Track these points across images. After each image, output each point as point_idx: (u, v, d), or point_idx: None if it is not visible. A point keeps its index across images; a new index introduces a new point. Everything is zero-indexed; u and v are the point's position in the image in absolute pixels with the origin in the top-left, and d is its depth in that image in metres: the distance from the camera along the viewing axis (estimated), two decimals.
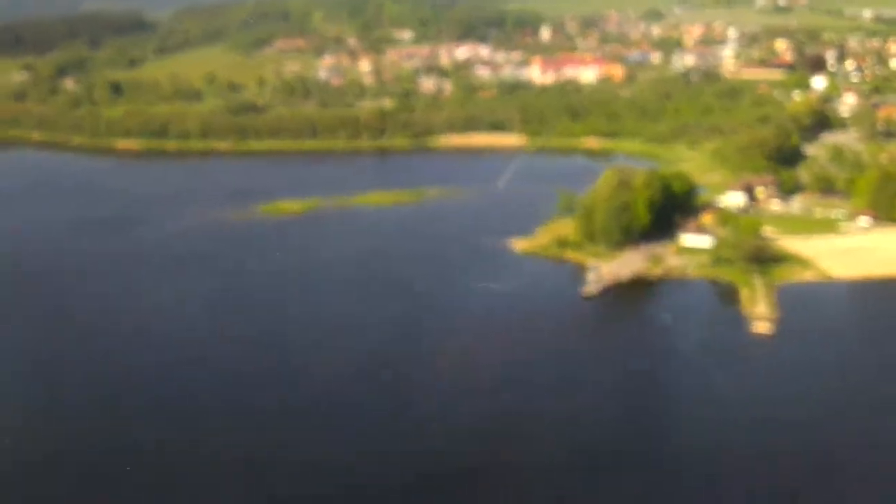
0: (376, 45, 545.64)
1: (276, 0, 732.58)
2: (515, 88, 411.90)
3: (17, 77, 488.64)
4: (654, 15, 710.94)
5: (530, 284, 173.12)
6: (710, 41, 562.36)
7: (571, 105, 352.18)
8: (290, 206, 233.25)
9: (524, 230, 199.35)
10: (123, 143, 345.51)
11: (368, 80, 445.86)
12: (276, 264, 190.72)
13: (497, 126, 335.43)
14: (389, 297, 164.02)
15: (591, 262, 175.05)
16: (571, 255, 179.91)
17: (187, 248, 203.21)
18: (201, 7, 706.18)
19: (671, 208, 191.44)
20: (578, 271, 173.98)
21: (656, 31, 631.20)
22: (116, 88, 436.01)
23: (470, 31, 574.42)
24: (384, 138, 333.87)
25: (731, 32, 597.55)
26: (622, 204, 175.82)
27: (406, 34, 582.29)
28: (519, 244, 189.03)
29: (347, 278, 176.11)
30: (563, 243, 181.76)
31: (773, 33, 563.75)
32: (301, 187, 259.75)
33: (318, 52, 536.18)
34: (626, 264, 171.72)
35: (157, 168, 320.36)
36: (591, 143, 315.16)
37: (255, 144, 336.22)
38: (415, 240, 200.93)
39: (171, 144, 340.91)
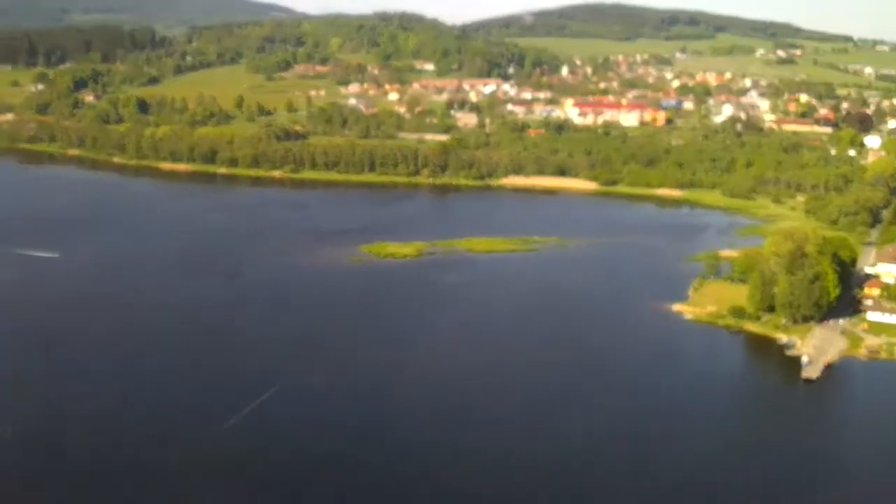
0: (400, 76, 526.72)
1: (291, 23, 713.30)
2: (561, 129, 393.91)
3: (32, 87, 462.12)
4: (661, 60, 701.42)
5: (730, 362, 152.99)
6: (725, 90, 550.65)
7: (638, 151, 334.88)
8: (397, 248, 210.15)
9: (670, 291, 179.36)
10: (168, 165, 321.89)
11: (400, 111, 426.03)
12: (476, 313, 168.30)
13: (562, 168, 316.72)
14: (598, 384, 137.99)
15: (780, 336, 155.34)
16: (751, 326, 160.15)
17: (356, 291, 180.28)
18: (216, 26, 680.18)
19: (843, 279, 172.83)
20: (766, 346, 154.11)
21: (668, 76, 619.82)
22: (143, 106, 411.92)
23: (492, 67, 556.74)
24: (445, 175, 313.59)
25: (747, 82, 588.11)
26: (814, 274, 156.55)
27: (427, 66, 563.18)
28: (683, 310, 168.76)
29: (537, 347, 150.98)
30: (738, 313, 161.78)
31: (790, 86, 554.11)
32: (388, 225, 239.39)
33: (341, 79, 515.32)
34: (828, 343, 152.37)
35: (217, 194, 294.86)
36: (667, 192, 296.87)
37: (310, 174, 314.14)
38: (566, 300, 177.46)
39: (220, 169, 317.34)
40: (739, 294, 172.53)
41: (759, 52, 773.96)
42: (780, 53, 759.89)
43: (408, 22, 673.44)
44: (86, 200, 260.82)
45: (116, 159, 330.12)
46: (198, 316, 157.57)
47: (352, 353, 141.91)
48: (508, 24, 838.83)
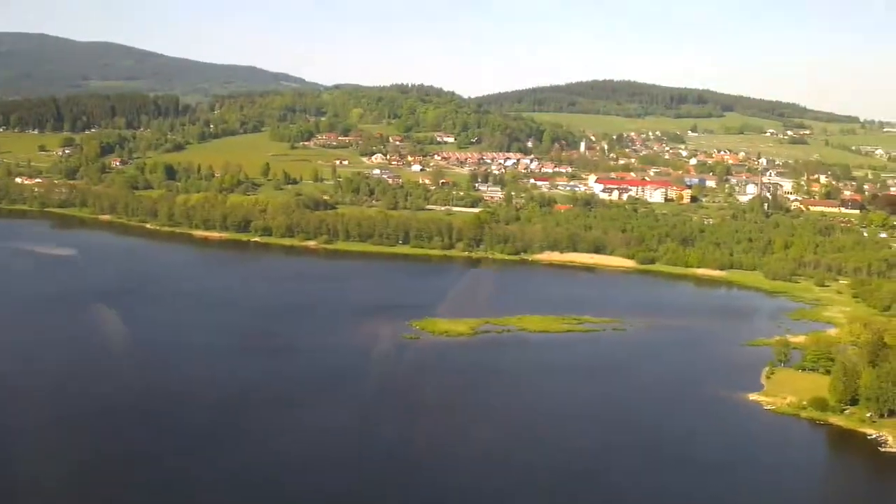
0: (421, 148, 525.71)
1: (311, 93, 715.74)
2: (588, 204, 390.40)
3: (59, 152, 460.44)
4: (674, 138, 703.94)
5: (820, 457, 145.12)
6: (743, 168, 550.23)
7: (671, 230, 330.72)
8: (450, 325, 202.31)
9: (741, 378, 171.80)
10: (201, 233, 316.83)
11: (425, 183, 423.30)
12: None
13: (597, 245, 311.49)
14: (686, 477, 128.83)
15: (868, 431, 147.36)
16: (835, 420, 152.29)
17: (426, 374, 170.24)
18: (238, 95, 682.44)
19: None
20: (854, 441, 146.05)
21: (683, 153, 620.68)
22: (170, 172, 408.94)
23: (511, 141, 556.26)
24: (480, 249, 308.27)
25: (763, 161, 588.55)
26: None
27: (448, 138, 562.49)
28: (761, 400, 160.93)
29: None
30: (820, 405, 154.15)
31: (807, 166, 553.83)
32: (433, 300, 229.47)
33: (364, 149, 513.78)
34: None
35: (254, 263, 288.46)
36: (707, 272, 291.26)
37: (344, 245, 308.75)
38: (637, 386, 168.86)
39: (254, 237, 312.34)
40: (816, 384, 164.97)
41: (770, 131, 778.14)
42: (790, 133, 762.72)
43: (426, 94, 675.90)
44: (127, 269, 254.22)
45: (149, 225, 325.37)
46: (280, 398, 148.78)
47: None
48: (521, 98, 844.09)
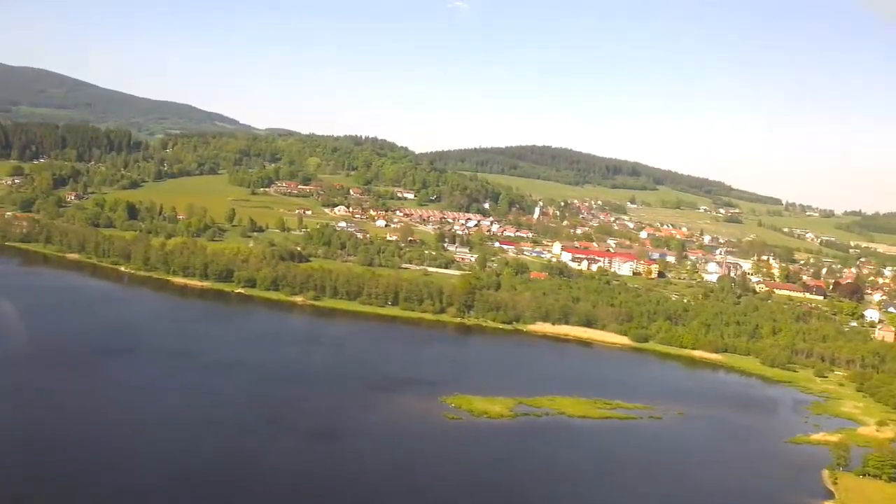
0: (383, 202, 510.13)
1: (266, 138, 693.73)
2: (561, 273, 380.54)
3: (8, 180, 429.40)
4: (615, 208, 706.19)
5: None
6: (693, 244, 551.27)
7: (655, 307, 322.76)
8: (485, 405, 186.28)
9: (801, 484, 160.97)
10: (181, 280, 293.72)
11: (391, 239, 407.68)
12: None
13: (588, 318, 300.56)
14: None
15: None
16: None
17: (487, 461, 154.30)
18: (191, 134, 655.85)
19: None
20: None
21: (629, 224, 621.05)
22: (132, 211, 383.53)
23: (471, 201, 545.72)
24: (472, 315, 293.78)
25: (706, 238, 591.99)
26: None
27: (408, 194, 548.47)
28: None
29: None
30: None
31: (753, 246, 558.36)
32: (450, 372, 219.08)
33: (325, 200, 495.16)
34: None
35: (242, 319, 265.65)
36: (703, 354, 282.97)
37: (331, 302, 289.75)
38: (703, 490, 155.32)
39: (237, 288, 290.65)
40: (887, 494, 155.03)
41: (703, 208, 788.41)
42: (722, 212, 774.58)
43: (380, 148, 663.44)
44: (113, 320, 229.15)
45: (123, 268, 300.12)
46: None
47: None
48: (463, 157, 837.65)
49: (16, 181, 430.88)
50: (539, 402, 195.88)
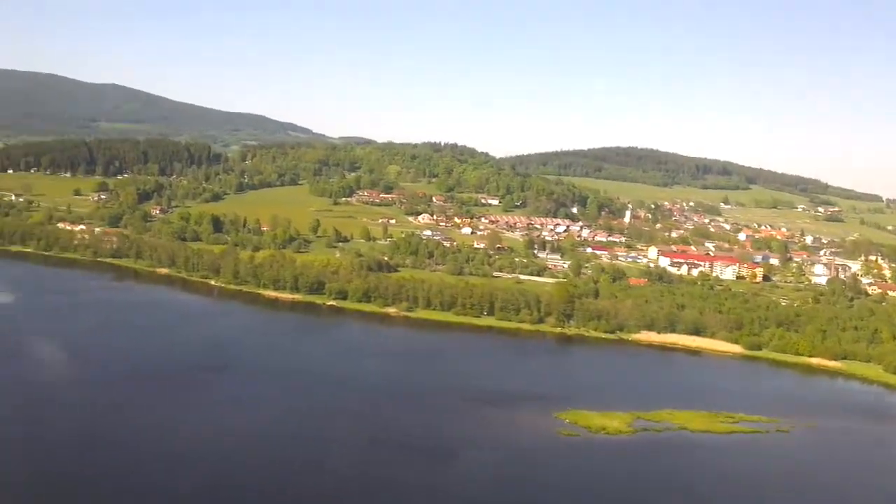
0: (468, 210, 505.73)
1: (344, 147, 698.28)
2: (661, 279, 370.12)
3: (94, 196, 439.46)
4: (708, 209, 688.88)
5: None
6: (796, 246, 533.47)
7: (765, 312, 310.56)
8: (603, 420, 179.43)
9: None
10: (272, 293, 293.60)
11: (479, 247, 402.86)
12: None
13: (696, 326, 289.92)
14: None
15: None
16: None
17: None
18: (269, 146, 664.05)
19: None
20: None
21: (726, 226, 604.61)
22: (217, 224, 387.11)
23: (558, 206, 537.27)
24: (572, 324, 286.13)
25: (808, 239, 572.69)
26: None
27: (492, 200, 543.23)
28: None
29: None
30: None
31: (859, 247, 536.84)
32: (558, 386, 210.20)
33: (408, 209, 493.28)
34: None
35: (339, 332, 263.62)
36: (821, 362, 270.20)
37: (425, 313, 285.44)
38: None
39: (328, 300, 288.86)
40: None
41: (801, 207, 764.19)
42: (821, 210, 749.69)
43: (460, 154, 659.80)
44: (210, 335, 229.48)
45: (213, 282, 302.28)
46: None
47: None
48: (545, 161, 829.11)
49: (101, 197, 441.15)
50: (658, 416, 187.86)
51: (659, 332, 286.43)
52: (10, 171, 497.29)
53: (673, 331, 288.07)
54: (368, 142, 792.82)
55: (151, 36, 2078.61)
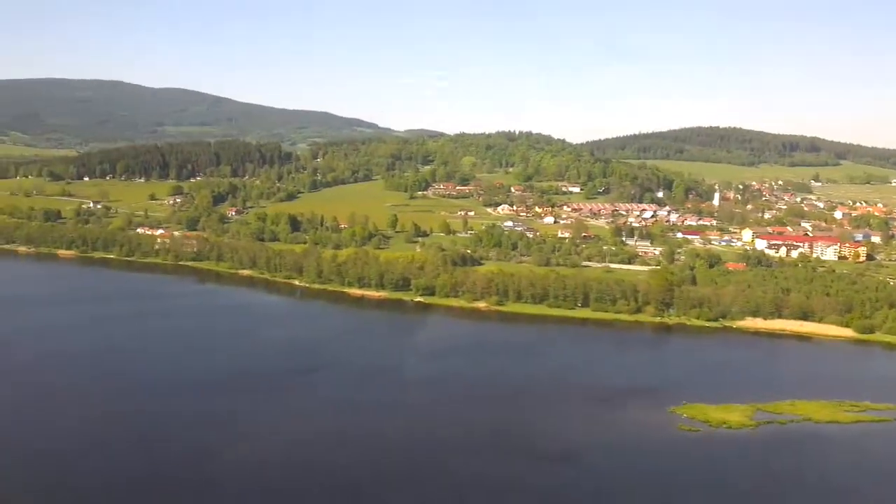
0: (548, 199, 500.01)
1: (416, 140, 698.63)
2: (759, 263, 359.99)
3: (169, 200, 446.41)
4: (799, 188, 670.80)
5: None
6: (889, 222, 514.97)
7: (875, 294, 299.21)
8: (722, 413, 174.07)
9: None
10: (358, 291, 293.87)
11: (564, 236, 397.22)
12: None
13: (804, 311, 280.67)
14: None
15: None
16: None
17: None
18: (340, 142, 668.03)
19: None
20: None
21: (819, 205, 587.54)
22: (294, 223, 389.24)
23: (643, 191, 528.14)
24: (671, 313, 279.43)
25: None
26: None
27: (573, 188, 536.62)
28: None
29: None
30: None
31: None
32: (666, 377, 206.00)
33: (486, 200, 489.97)
34: None
35: (433, 328, 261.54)
36: None
37: (516, 307, 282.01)
38: None
39: (415, 297, 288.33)
40: None
41: (894, 181, 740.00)
42: None
43: (536, 142, 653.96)
44: (302, 336, 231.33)
45: (297, 282, 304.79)
46: None
47: None
48: (623, 145, 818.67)
49: (177, 200, 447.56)
50: (779, 408, 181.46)
51: (765, 319, 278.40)
52: (87, 179, 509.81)
53: (779, 316, 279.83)
54: (439, 134, 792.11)
55: (215, 40, 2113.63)
